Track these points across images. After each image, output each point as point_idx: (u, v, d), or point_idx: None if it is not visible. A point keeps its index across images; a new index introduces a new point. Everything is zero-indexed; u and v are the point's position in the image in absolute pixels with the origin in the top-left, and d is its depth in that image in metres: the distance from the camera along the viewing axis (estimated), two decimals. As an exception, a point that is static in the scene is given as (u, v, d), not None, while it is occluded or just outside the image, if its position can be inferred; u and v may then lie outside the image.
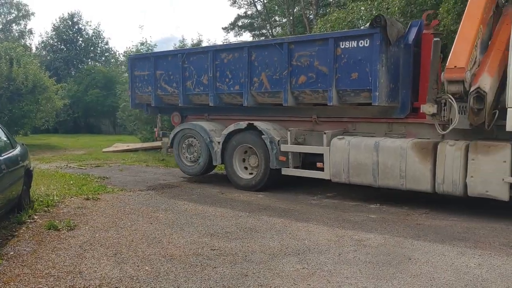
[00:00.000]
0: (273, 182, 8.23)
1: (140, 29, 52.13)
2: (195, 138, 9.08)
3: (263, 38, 34.31)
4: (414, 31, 7.42)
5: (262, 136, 8.06)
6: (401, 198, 7.37)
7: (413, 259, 4.56)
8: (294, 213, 6.60)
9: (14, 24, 43.26)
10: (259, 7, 35.89)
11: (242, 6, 38.03)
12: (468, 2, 6.74)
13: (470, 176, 6.26)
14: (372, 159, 7.00)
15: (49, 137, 25.36)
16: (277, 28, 35.75)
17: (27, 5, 43.72)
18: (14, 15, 43.77)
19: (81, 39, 38.71)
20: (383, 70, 6.95)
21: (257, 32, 38.20)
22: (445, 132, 6.53)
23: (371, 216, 6.45)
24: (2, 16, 43.20)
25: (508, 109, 5.99)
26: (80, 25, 38.67)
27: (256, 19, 37.63)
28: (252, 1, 35.24)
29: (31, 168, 6.92)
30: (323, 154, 7.56)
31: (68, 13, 38.30)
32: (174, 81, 9.21)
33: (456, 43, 6.46)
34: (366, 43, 7.00)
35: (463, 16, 6.69)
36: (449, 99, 6.34)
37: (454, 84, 6.24)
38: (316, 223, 6.00)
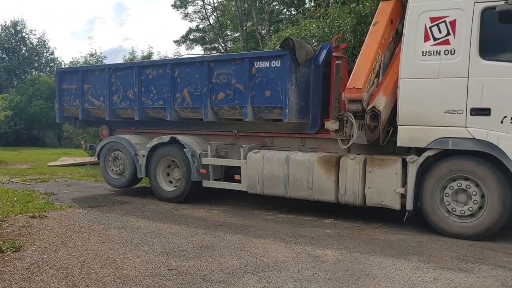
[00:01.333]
0: (195, 194, 8.53)
1: (89, 39, 51.39)
2: (121, 151, 9.27)
3: (215, 52, 34.74)
4: (324, 53, 7.98)
5: (184, 149, 8.36)
6: (354, 213, 7.51)
7: (371, 275, 4.59)
8: (250, 229, 6.58)
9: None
10: (211, 21, 36.35)
11: (194, 19, 38.39)
12: (369, 30, 7.39)
13: (368, 187, 6.83)
14: (283, 171, 7.46)
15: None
16: (229, 42, 36.34)
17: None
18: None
19: (24, 48, 37.73)
20: (293, 89, 7.44)
21: (208, 46, 38.63)
22: (345, 147, 7.09)
23: (327, 231, 6.54)
24: None
25: (398, 126, 6.61)
26: (23, 34, 37.68)
27: (208, 33, 38.04)
28: (205, 16, 35.59)
29: None
30: (240, 167, 7.96)
31: (11, 21, 37.27)
32: (101, 95, 9.38)
33: (356, 66, 7.07)
34: (278, 64, 7.49)
35: (364, 42, 7.33)
36: (349, 117, 6.91)
37: (354, 103, 6.81)
38: (273, 239, 5.99)
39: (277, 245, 5.71)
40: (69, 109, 10.08)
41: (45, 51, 39.35)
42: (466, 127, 6.11)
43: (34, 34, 38.88)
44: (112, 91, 9.25)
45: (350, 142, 6.98)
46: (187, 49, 39.89)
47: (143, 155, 8.86)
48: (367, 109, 6.73)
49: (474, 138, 6.06)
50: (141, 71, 8.88)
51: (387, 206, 6.74)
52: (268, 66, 7.58)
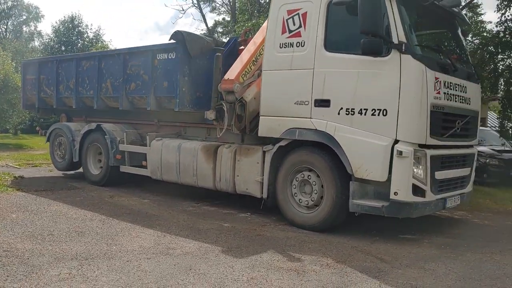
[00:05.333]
0: (114, 178, 9.13)
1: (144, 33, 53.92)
2: (63, 136, 10.17)
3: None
4: (230, 45, 8.24)
5: (105, 136, 9.04)
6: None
7: (193, 270, 4.44)
8: (151, 219, 6.52)
9: (24, 26, 45.92)
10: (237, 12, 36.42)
11: (221, 13, 38.52)
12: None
13: (237, 175, 7.08)
14: (176, 158, 7.88)
15: (32, 137, 24.76)
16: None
17: (38, 8, 46.24)
18: (24, 17, 46.38)
19: (81, 42, 40.49)
20: (186, 80, 7.81)
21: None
22: (219, 136, 7.33)
23: (225, 225, 6.41)
24: (14, 18, 45.94)
25: (260, 117, 6.78)
26: (80, 28, 40.40)
27: (232, 26, 37.97)
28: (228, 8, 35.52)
29: None
30: (146, 153, 8.50)
31: (69, 16, 40.08)
32: (52, 84, 10.35)
33: (238, 58, 7.33)
34: (173, 56, 7.92)
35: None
36: (223, 107, 7.17)
37: (230, 94, 7.07)
38: (156, 230, 5.90)
39: (149, 236, 5.60)
40: (30, 97, 11.22)
41: (99, 44, 41.91)
42: (311, 118, 6.19)
43: (91, 29, 41.57)
44: (59, 81, 10.17)
45: (223, 131, 7.21)
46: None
47: (78, 141, 9.67)
48: (237, 100, 6.97)
49: (316, 129, 6.12)
50: (78, 63, 9.71)
51: (251, 194, 6.95)
52: (166, 58, 8.04)
